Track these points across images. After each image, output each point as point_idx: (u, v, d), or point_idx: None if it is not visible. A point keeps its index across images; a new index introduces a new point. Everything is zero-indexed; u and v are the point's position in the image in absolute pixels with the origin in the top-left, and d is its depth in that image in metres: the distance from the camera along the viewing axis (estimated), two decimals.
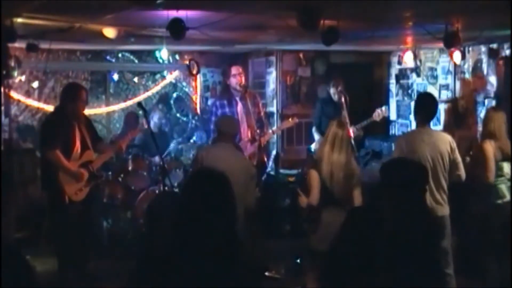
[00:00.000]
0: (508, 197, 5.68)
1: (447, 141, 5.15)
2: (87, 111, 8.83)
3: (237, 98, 6.77)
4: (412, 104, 5.57)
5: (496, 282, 5.60)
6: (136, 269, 2.61)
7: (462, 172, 5.20)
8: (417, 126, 5.32)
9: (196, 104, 9.83)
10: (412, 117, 5.90)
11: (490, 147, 5.59)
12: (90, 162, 5.92)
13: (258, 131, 6.64)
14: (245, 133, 6.75)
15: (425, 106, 5.30)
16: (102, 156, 6.14)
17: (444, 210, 5.11)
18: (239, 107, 6.76)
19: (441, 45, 6.29)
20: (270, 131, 7.14)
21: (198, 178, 2.74)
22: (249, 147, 6.73)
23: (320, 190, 4.77)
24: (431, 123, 5.40)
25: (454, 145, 5.18)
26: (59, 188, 5.68)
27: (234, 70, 6.79)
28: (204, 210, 2.53)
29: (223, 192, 2.61)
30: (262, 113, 6.91)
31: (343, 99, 7.40)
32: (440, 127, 8.17)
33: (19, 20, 5.40)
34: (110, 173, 7.63)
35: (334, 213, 4.60)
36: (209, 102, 9.86)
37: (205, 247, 2.48)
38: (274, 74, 9.69)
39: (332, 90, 7.75)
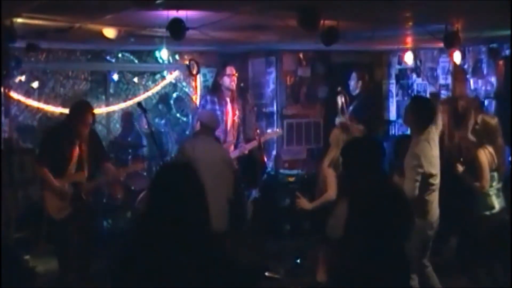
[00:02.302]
0: (497, 208, 5.59)
1: (436, 135, 5.15)
2: None
3: (227, 99, 6.83)
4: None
5: (496, 282, 5.60)
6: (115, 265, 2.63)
7: None
8: (419, 132, 5.01)
9: (196, 104, 9.82)
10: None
11: (484, 156, 5.51)
12: (81, 184, 5.78)
13: (258, 131, 6.70)
14: (230, 135, 6.82)
15: (429, 112, 5.10)
16: (94, 182, 6.01)
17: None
18: (228, 107, 6.82)
19: (441, 45, 6.29)
20: (256, 139, 7.04)
21: (165, 171, 2.75)
22: (233, 151, 6.74)
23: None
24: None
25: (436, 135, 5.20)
26: (43, 203, 5.69)
27: (229, 70, 6.86)
28: (173, 202, 2.54)
29: (190, 182, 2.62)
30: (250, 117, 6.93)
31: (343, 99, 7.44)
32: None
33: (19, 20, 5.40)
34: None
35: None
36: None
37: (178, 240, 2.49)
38: (274, 74, 9.67)
39: (353, 83, 7.78)
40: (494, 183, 5.55)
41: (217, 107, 6.77)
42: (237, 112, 6.84)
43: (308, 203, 5.45)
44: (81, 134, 5.72)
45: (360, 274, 3.06)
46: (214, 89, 7.05)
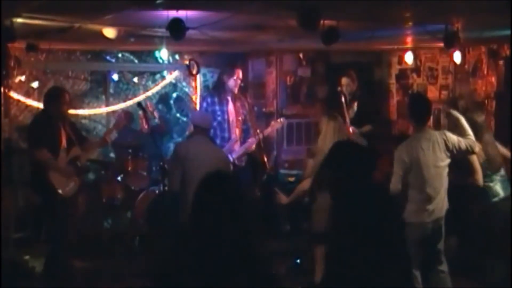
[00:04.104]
0: (502, 195, 5.67)
1: (441, 140, 5.09)
2: (87, 111, 8.92)
3: (229, 98, 6.77)
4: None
5: (496, 282, 5.61)
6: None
7: (468, 142, 5.16)
8: (416, 128, 5.12)
9: (196, 104, 9.82)
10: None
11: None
12: (77, 158, 6.09)
13: (258, 131, 6.69)
14: (234, 132, 6.79)
15: (420, 107, 5.16)
16: (88, 152, 6.39)
17: (442, 211, 5.11)
18: (230, 106, 6.77)
19: (441, 45, 6.29)
20: (261, 134, 7.06)
21: (210, 183, 2.75)
22: (237, 148, 6.76)
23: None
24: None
25: (447, 135, 5.13)
26: (50, 186, 5.78)
27: (237, 73, 6.78)
28: (221, 215, 2.58)
29: (236, 195, 2.68)
30: (251, 116, 6.92)
31: (343, 99, 7.45)
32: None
33: (19, 20, 5.40)
34: (110, 173, 7.64)
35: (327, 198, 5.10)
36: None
37: (223, 251, 2.54)
38: (274, 74, 9.68)
39: (343, 81, 7.80)
40: (489, 173, 5.64)
41: (217, 107, 6.73)
42: (240, 110, 6.81)
43: (285, 197, 5.61)
44: (62, 116, 6.03)
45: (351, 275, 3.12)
46: (216, 88, 6.99)
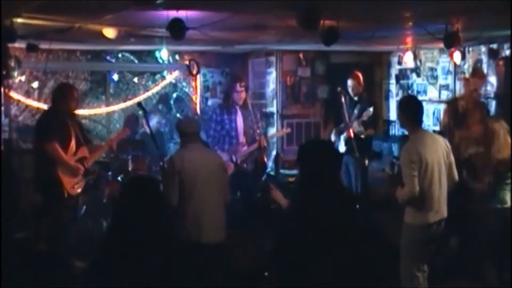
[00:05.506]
0: (508, 204, 5.61)
1: (443, 143, 5.08)
2: (87, 111, 8.93)
3: (237, 107, 7.11)
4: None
5: (495, 285, 5.59)
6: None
7: (456, 175, 5.16)
8: (412, 130, 5.00)
9: (196, 104, 9.84)
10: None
11: (501, 128, 5.50)
12: (85, 158, 6.05)
13: (258, 131, 6.80)
14: (242, 138, 7.13)
15: (416, 108, 5.07)
16: (94, 154, 6.26)
17: (445, 213, 5.08)
18: (238, 115, 7.10)
19: (441, 45, 6.29)
20: (263, 138, 7.29)
21: (131, 186, 3.01)
22: (243, 150, 7.11)
23: None
24: (423, 125, 5.29)
25: (449, 146, 5.13)
26: (58, 182, 5.76)
27: (239, 87, 7.06)
28: (135, 214, 2.81)
29: (153, 195, 2.92)
30: (258, 123, 7.31)
31: (343, 99, 7.44)
32: (437, 127, 8.19)
33: (19, 20, 5.41)
34: (110, 173, 7.63)
35: None
36: (209, 102, 9.89)
37: (142, 248, 2.76)
38: (274, 74, 9.69)
39: (350, 83, 7.78)
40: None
41: (225, 116, 7.05)
42: (248, 117, 7.15)
43: (282, 197, 4.93)
44: (71, 113, 6.01)
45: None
46: (225, 101, 7.28)
